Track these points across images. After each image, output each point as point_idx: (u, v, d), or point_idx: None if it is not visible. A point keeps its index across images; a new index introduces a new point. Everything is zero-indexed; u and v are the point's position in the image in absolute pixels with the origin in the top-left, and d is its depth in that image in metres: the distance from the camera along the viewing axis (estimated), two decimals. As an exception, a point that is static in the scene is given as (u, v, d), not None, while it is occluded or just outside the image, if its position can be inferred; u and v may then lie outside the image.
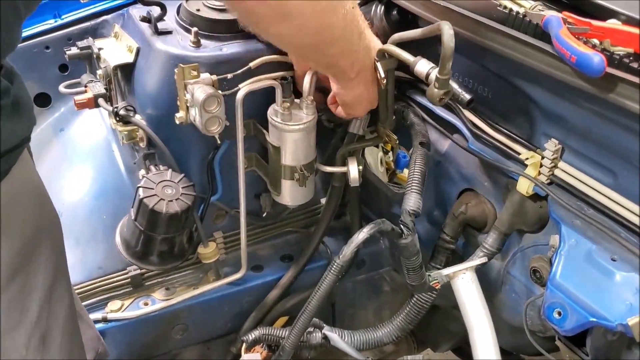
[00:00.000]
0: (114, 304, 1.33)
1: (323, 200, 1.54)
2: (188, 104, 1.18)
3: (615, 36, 0.83)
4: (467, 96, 1.04)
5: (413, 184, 1.13)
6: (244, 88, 1.18)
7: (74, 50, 1.33)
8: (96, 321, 1.29)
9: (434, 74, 1.00)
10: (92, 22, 1.41)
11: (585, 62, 0.75)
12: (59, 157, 1.43)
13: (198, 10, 1.27)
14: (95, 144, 1.43)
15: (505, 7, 0.96)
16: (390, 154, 1.91)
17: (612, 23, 0.86)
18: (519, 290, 1.17)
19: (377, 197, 1.49)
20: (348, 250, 1.00)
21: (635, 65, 0.79)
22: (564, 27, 0.79)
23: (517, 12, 0.94)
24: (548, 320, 0.91)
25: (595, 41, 0.84)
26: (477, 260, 0.85)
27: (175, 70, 1.16)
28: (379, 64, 1.12)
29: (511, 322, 1.19)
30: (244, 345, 1.25)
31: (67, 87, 1.33)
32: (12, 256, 0.82)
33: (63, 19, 1.42)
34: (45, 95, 1.49)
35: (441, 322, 1.60)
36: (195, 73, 1.16)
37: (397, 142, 1.31)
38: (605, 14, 0.88)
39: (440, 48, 0.93)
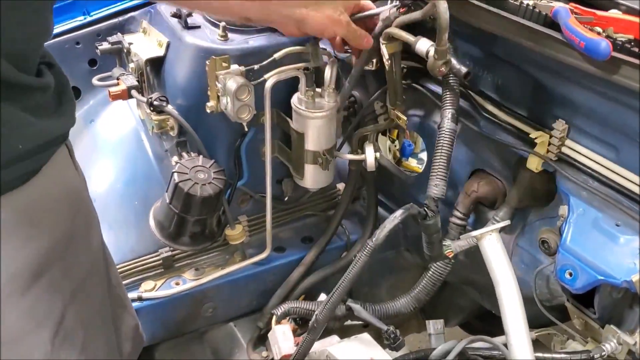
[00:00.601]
0: (148, 284, 1.42)
1: (339, 186, 1.63)
2: (219, 94, 1.27)
3: (617, 24, 0.93)
4: (464, 69, 1.13)
5: (438, 169, 1.12)
6: (272, 78, 1.27)
7: (105, 45, 1.42)
8: (132, 300, 1.38)
9: (434, 48, 1.10)
10: (120, 18, 1.50)
11: (593, 47, 0.84)
12: (90, 147, 1.51)
13: (224, 6, 1.36)
14: (124, 134, 1.51)
15: (516, 0, 1.06)
16: (397, 142, 2.01)
17: (614, 13, 0.95)
18: (527, 261, 1.27)
19: (390, 181, 1.58)
20: (381, 233, 1.08)
21: (636, 49, 0.89)
22: (572, 17, 0.89)
23: (527, 4, 1.03)
24: (560, 281, 1.01)
25: (599, 29, 0.94)
26: (502, 222, 0.94)
27: (207, 61, 1.24)
28: (383, 47, 1.22)
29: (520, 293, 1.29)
30: (275, 317, 1.34)
31: (100, 80, 1.42)
32: (38, 257, 0.83)
33: (92, 15, 1.50)
34: (75, 89, 1.57)
35: (450, 297, 1.70)
36: (226, 64, 1.24)
37: (407, 122, 1.37)
38: (607, 4, 0.98)
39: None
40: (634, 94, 0.90)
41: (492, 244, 0.90)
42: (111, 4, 1.48)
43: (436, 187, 1.11)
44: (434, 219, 1.13)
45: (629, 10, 0.95)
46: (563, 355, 1.01)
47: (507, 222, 0.96)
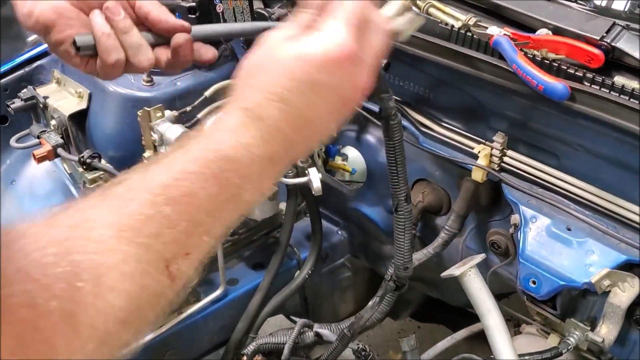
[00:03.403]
0: (104, 344, 1.36)
1: (280, 205, 1.62)
2: (156, 144, 1.22)
3: (549, 45, 0.98)
4: (383, 61, 1.15)
5: (405, 250, 1.09)
6: (210, 120, 1.23)
7: (18, 103, 1.32)
8: (91, 364, 1.32)
9: None
10: (27, 68, 1.39)
11: (552, 91, 0.89)
12: (16, 210, 1.41)
13: (144, 48, 1.30)
14: (52, 190, 1.42)
15: (446, 24, 1.09)
16: (322, 146, 2.02)
17: (544, 33, 1.00)
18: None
19: (330, 194, 1.59)
20: (359, 324, 1.10)
21: (572, 71, 0.95)
22: (519, 52, 0.93)
23: (459, 29, 1.06)
24: (525, 290, 1.07)
25: (534, 51, 0.99)
26: (478, 257, 0.99)
27: (139, 113, 1.19)
28: None
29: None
30: (245, 357, 1.33)
31: (18, 140, 1.32)
32: None
33: (-6, 71, 1.39)
34: (-12, 150, 1.46)
35: (400, 295, 1.76)
36: (160, 114, 1.20)
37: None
38: (536, 24, 1.03)
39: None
40: (571, 111, 0.96)
41: (473, 280, 0.94)
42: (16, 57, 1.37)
43: (405, 270, 1.11)
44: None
45: (556, 29, 1.00)
46: (536, 356, 1.07)
47: (482, 256, 1.00)
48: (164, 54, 0.78)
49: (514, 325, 1.50)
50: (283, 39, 0.63)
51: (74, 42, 0.75)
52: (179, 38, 0.77)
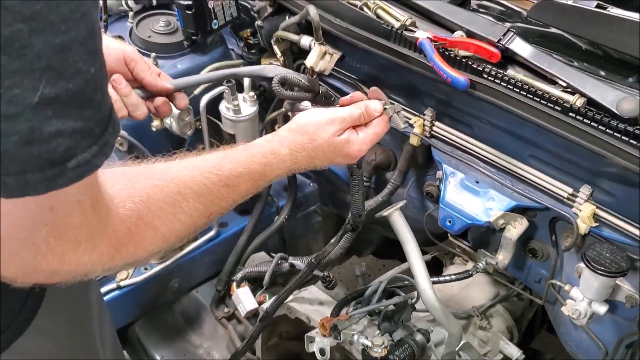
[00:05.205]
0: (122, 274, 1.71)
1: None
2: (162, 115, 1.54)
3: (460, 45, 1.31)
4: (338, 53, 1.48)
5: (359, 202, 1.33)
6: (205, 97, 1.56)
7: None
8: (111, 290, 1.68)
9: (313, 40, 1.44)
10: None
11: (456, 82, 1.22)
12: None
13: (149, 36, 1.61)
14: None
15: (388, 24, 1.40)
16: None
17: (458, 35, 1.33)
18: (418, 206, 1.70)
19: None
20: (324, 255, 1.43)
21: (475, 66, 1.28)
22: (436, 52, 1.25)
23: (397, 29, 1.38)
24: (443, 227, 1.43)
25: (451, 49, 1.31)
26: (401, 203, 1.33)
27: (149, 91, 1.51)
28: (275, 47, 1.54)
29: (413, 226, 1.73)
30: (235, 283, 1.69)
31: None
32: None
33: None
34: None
35: (363, 235, 2.12)
36: (166, 92, 1.51)
37: None
38: (453, 27, 1.35)
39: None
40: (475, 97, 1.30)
41: (397, 218, 1.29)
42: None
43: (359, 217, 1.39)
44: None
45: (468, 32, 1.33)
46: (453, 277, 1.44)
47: (404, 202, 1.34)
48: (152, 105, 1.13)
49: (450, 258, 1.88)
50: (332, 132, 1.08)
51: None
52: (158, 101, 1.12)
